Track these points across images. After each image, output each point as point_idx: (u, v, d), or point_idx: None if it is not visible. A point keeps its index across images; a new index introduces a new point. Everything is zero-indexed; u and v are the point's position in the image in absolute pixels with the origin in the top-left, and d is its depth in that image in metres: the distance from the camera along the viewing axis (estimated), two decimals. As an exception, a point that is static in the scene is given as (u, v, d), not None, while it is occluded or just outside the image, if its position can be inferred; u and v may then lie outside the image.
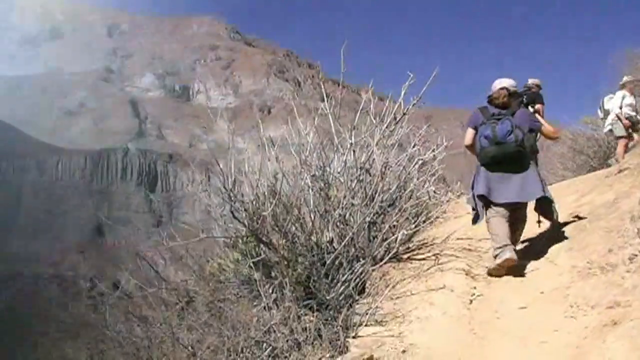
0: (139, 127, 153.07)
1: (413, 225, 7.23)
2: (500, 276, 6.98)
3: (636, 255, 5.64)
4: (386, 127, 7.38)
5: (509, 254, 6.89)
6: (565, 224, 8.14)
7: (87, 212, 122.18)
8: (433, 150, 7.98)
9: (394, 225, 6.95)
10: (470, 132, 7.61)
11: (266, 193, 6.75)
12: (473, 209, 7.61)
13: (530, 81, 12.57)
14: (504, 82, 7.66)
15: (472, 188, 7.60)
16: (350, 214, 6.86)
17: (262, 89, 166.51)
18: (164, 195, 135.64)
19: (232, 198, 6.54)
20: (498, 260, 6.94)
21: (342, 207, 6.85)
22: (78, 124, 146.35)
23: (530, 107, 11.92)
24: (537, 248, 7.73)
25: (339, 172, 7.14)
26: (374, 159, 7.20)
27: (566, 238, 7.54)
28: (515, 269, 6.96)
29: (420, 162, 7.71)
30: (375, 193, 6.92)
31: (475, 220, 7.60)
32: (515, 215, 7.44)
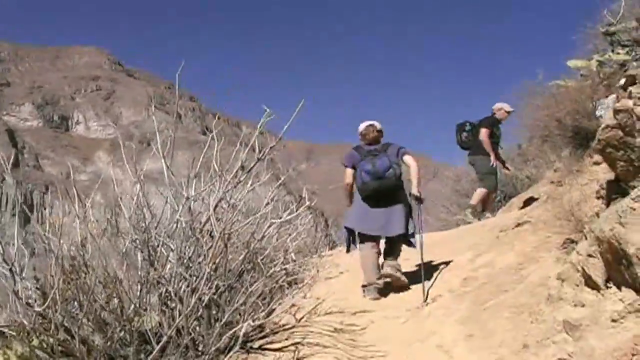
0: (15, 157, 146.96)
1: (263, 313, 5.34)
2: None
3: (564, 360, 4.11)
4: (234, 177, 5.54)
5: (372, 294, 7.57)
6: (461, 294, 6.62)
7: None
8: (295, 209, 6.10)
9: (241, 307, 5.16)
10: (349, 172, 8.02)
11: (66, 265, 4.86)
12: (347, 244, 8.10)
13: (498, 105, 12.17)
14: (370, 122, 8.24)
15: (349, 220, 8.02)
16: (183, 291, 5.04)
17: (142, 121, 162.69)
18: (39, 227, 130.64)
19: (16, 272, 4.65)
20: (366, 297, 7.60)
21: (173, 283, 5.05)
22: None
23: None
24: (426, 327, 6.14)
25: (169, 236, 5.30)
26: (217, 219, 5.40)
27: (464, 317, 5.95)
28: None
29: (276, 223, 5.86)
30: (217, 264, 5.17)
31: (348, 250, 8.17)
32: (389, 246, 7.98)
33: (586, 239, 4.93)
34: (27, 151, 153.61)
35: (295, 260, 6.17)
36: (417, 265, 8.04)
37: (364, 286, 7.76)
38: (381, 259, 7.91)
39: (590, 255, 4.61)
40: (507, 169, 12.66)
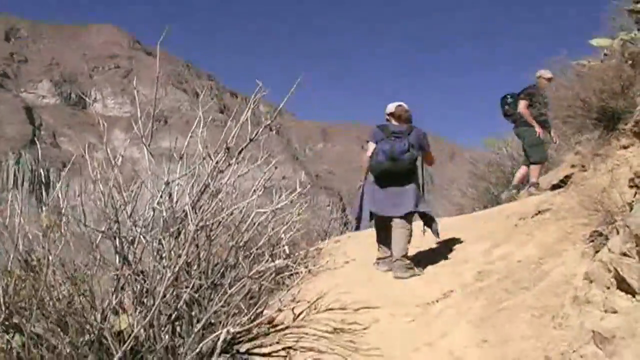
0: (32, 134, 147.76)
1: (245, 318, 4.64)
2: None
3: (594, 377, 3.51)
4: (221, 160, 4.87)
5: (385, 267, 7.77)
6: (475, 291, 6.00)
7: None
8: (290, 193, 5.35)
9: (222, 308, 4.51)
10: (372, 146, 7.93)
11: (23, 259, 4.28)
12: (356, 219, 7.99)
13: (538, 73, 11.39)
14: (398, 103, 8.14)
15: (360, 199, 7.97)
16: (161, 289, 4.41)
17: (159, 99, 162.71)
18: (55, 204, 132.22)
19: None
20: (378, 270, 7.85)
21: (149, 278, 4.44)
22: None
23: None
24: (435, 328, 5.51)
25: (144, 226, 4.67)
26: (201, 205, 4.75)
27: (478, 318, 5.31)
28: None
29: (266, 212, 5.14)
30: (199, 258, 4.56)
31: (357, 228, 8.18)
32: (395, 226, 7.68)
33: (618, 233, 4.31)
34: (44, 128, 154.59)
35: (289, 255, 5.41)
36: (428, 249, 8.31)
37: (378, 259, 7.96)
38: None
39: (624, 254, 3.99)
40: (553, 138, 11.90)
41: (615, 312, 3.87)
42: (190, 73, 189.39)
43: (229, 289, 4.44)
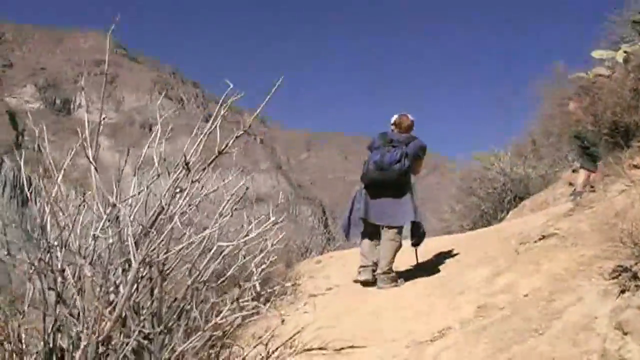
0: (16, 139, 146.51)
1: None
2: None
3: None
4: (181, 178, 4.04)
5: (365, 276, 7.63)
6: (477, 330, 5.21)
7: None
8: (254, 227, 4.41)
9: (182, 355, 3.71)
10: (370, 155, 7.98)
11: None
12: (345, 228, 8.04)
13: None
14: (403, 113, 8.08)
15: (351, 208, 7.94)
16: (104, 333, 3.60)
17: (144, 106, 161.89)
18: (37, 210, 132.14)
19: None
20: (359, 277, 7.72)
21: (89, 320, 3.64)
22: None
23: None
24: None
25: (84, 257, 3.83)
26: (156, 232, 3.92)
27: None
28: None
29: (239, 242, 4.26)
30: (152, 295, 3.75)
31: (347, 236, 8.26)
32: (386, 236, 7.63)
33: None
34: (27, 134, 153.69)
35: (259, 294, 4.49)
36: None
37: (360, 267, 7.75)
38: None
39: (672, 303, 3.23)
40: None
41: (662, 375, 3.12)
42: (175, 80, 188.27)
43: (186, 339, 3.63)
